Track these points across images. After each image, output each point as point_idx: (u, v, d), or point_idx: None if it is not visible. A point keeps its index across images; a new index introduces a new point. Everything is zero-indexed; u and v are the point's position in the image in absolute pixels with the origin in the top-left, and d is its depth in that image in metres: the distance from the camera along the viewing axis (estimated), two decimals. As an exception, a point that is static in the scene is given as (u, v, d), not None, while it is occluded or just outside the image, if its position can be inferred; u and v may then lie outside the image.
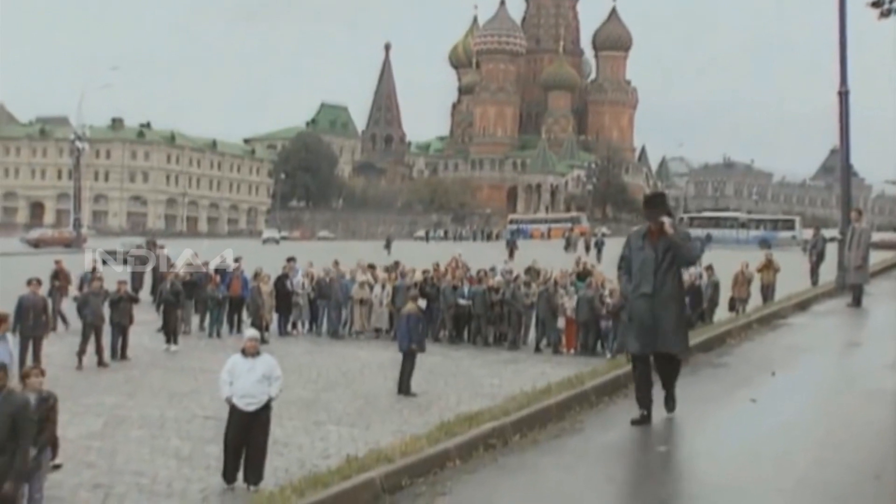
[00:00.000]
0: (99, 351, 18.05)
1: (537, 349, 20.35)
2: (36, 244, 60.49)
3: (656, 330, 8.21)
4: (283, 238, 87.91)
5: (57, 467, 10.27)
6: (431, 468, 7.17)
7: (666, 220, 8.32)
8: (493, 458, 7.44)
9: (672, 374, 8.58)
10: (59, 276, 23.35)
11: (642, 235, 8.57)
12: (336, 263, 23.87)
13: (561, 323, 20.21)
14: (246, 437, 10.28)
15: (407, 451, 7.34)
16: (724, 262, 25.80)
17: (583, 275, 22.99)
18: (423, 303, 16.76)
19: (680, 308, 8.55)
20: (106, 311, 18.58)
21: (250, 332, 11.41)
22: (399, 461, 7.12)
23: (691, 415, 8.94)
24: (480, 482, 6.90)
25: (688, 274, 22.63)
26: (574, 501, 6.57)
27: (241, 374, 10.34)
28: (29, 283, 17.51)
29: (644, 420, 8.35)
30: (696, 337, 12.82)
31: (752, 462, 7.31)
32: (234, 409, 10.33)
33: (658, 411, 8.45)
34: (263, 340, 20.83)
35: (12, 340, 12.69)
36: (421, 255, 35.34)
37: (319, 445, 12.27)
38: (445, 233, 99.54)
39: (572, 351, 19.97)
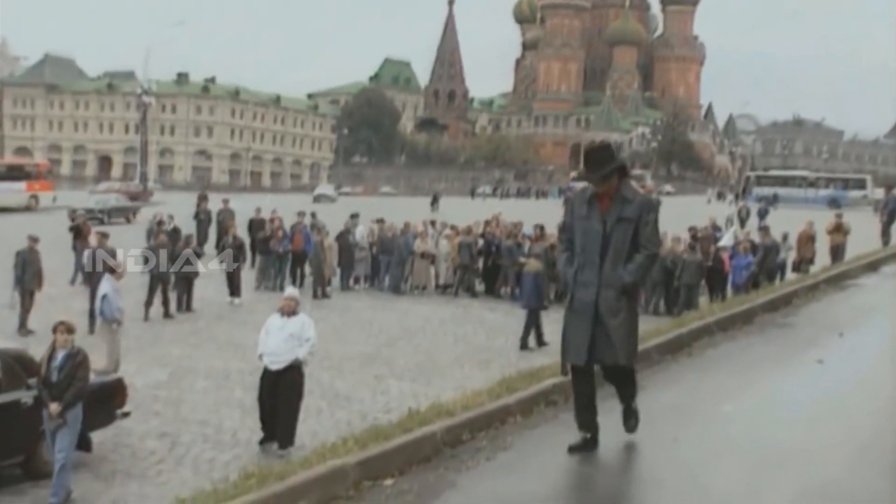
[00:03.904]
0: (165, 303, 18.40)
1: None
2: (104, 197, 61.42)
3: (598, 335, 6.26)
4: (345, 194, 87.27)
5: (126, 415, 10.53)
6: (492, 423, 7.17)
7: (626, 277, 6.24)
8: (555, 414, 7.42)
9: (625, 386, 6.66)
10: (80, 232, 23.28)
11: (587, 200, 6.40)
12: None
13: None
14: (273, 396, 10.13)
15: (468, 406, 7.34)
16: (791, 222, 25.41)
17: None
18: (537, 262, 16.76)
19: (631, 306, 6.38)
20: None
21: (289, 290, 11.15)
22: (460, 415, 7.12)
23: (756, 375, 8.83)
24: (541, 438, 6.89)
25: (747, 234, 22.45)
26: (636, 460, 6.53)
27: (273, 331, 10.20)
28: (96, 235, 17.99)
29: (586, 446, 6.53)
30: (761, 297, 12.65)
31: (816, 424, 7.20)
32: (264, 368, 10.25)
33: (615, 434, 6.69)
34: (325, 295, 21.20)
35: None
36: (467, 213, 35.23)
37: (381, 399, 12.39)
38: (494, 190, 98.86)
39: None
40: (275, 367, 10.08)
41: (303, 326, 10.20)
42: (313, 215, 25.30)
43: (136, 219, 40.37)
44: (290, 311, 10.28)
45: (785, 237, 22.18)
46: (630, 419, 6.70)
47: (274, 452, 9.99)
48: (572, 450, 6.48)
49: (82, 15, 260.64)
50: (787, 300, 12.54)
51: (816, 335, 10.62)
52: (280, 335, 10.11)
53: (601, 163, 6.28)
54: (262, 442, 10.32)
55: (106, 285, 13.14)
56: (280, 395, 10.10)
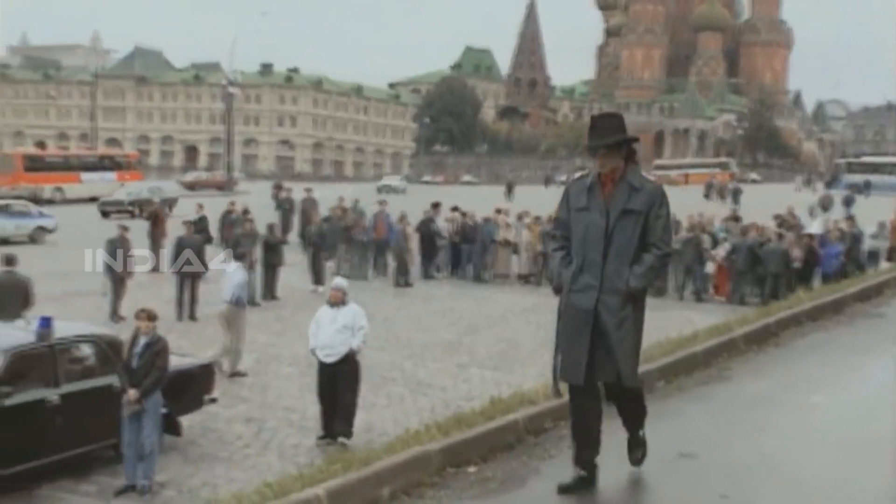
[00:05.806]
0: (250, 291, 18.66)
1: (681, 296, 20.03)
2: (191, 186, 62.71)
3: (598, 348, 5.45)
4: (426, 182, 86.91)
5: (213, 400, 10.74)
6: (575, 412, 7.13)
7: (632, 282, 5.36)
8: (637, 403, 7.35)
9: (630, 410, 5.86)
10: (157, 219, 23.59)
11: (587, 188, 5.49)
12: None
13: (710, 268, 19.88)
14: (333, 389, 10.04)
15: (550, 395, 7.33)
16: (880, 210, 24.77)
17: (734, 221, 22.60)
18: None
19: (637, 315, 5.48)
20: (258, 252, 19.15)
21: (336, 281, 10.84)
22: (542, 404, 7.12)
23: (847, 366, 8.65)
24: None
25: (832, 222, 21.94)
26: (721, 450, 6.44)
27: (324, 324, 10.10)
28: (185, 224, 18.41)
29: (581, 485, 5.64)
30: (851, 286, 12.36)
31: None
32: (319, 362, 10.16)
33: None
34: (407, 283, 21.32)
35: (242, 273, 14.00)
36: (540, 201, 35.00)
37: (463, 387, 12.42)
38: (567, 178, 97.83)
39: (723, 298, 19.63)
40: (330, 359, 10.01)
41: (355, 316, 10.12)
42: (356, 202, 25.23)
43: (170, 212, 39.61)
44: (338, 301, 10.19)
45: (882, 226, 21.68)
46: (636, 450, 5.92)
47: (338, 443, 9.89)
48: (563, 490, 5.63)
49: (170, 7, 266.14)
50: (879, 290, 12.26)
51: (909, 326, 10.35)
52: (332, 327, 10.05)
53: (607, 131, 5.41)
54: (322, 437, 10.15)
55: (240, 273, 13.75)
56: (339, 386, 10.04)
